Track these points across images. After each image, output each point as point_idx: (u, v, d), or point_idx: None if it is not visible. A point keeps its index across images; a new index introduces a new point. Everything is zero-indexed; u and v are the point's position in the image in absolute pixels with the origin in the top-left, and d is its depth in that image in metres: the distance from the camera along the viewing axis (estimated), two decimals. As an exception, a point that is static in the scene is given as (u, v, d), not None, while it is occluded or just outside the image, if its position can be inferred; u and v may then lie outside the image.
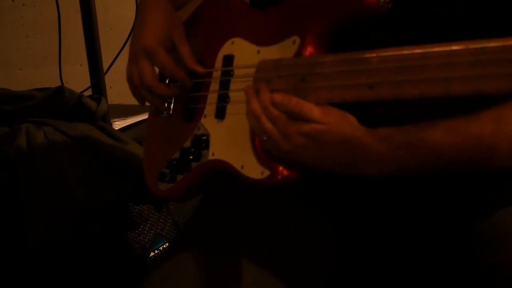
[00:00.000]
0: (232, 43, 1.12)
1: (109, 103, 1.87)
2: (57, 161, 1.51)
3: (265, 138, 0.97)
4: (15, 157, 1.48)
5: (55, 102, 1.64)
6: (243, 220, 1.06)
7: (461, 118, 0.92)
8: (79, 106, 1.66)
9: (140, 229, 1.70)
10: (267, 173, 1.00)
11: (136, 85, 1.18)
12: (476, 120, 0.92)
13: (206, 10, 1.22)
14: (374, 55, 0.89)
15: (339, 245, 1.08)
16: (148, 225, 1.72)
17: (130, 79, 1.19)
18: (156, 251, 1.74)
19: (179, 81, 1.18)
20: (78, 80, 2.18)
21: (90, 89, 2.02)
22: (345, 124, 0.92)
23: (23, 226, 1.43)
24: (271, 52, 1.04)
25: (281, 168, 0.99)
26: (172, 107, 1.22)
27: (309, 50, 0.99)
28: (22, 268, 1.46)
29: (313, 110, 0.92)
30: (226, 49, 1.13)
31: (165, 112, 1.23)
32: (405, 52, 0.86)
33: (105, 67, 2.04)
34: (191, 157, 1.13)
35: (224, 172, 1.08)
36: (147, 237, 1.72)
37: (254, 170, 1.02)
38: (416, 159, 0.93)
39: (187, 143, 1.15)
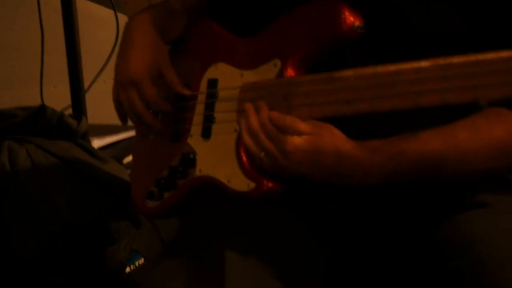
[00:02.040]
0: (216, 67, 1.18)
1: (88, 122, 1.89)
2: (41, 178, 1.54)
3: (262, 155, 1.03)
4: (-2, 173, 1.51)
5: (37, 121, 1.67)
6: (230, 228, 1.10)
7: (438, 128, 0.98)
8: (60, 124, 1.70)
9: (117, 245, 1.72)
10: (252, 185, 1.06)
11: (124, 111, 1.23)
12: (452, 128, 0.98)
13: (190, 38, 1.27)
14: (351, 73, 0.97)
15: (326, 252, 1.11)
16: (125, 241, 1.74)
17: (118, 104, 1.24)
18: (132, 267, 1.76)
19: (148, 121, 1.22)
20: (57, 100, 2.19)
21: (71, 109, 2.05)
22: (335, 137, 0.99)
23: (11, 241, 1.45)
24: (254, 75, 1.11)
25: (265, 181, 1.06)
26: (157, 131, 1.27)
27: (289, 72, 1.06)
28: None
29: (304, 124, 0.99)
30: (210, 73, 1.19)
31: (152, 135, 1.28)
32: (379, 69, 0.94)
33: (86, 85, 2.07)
34: (178, 175, 1.19)
35: (211, 187, 1.13)
36: (123, 253, 1.74)
37: (240, 183, 1.08)
38: (404, 168, 0.98)
39: (175, 162, 1.20)
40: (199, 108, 1.19)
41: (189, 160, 1.18)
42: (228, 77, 1.15)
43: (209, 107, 1.17)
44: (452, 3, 1.03)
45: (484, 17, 1.03)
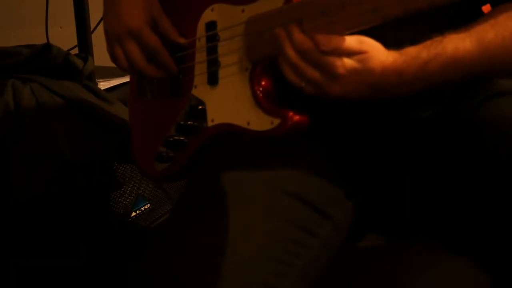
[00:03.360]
0: (212, 9, 1.11)
1: (94, 63, 1.87)
2: (44, 116, 1.51)
3: (303, 84, 0.97)
4: (2, 112, 1.48)
5: (42, 59, 1.63)
6: (245, 174, 1.04)
7: (466, 28, 0.97)
8: (66, 64, 1.65)
9: (123, 189, 1.71)
10: (277, 121, 1.00)
11: (122, 66, 1.18)
12: (478, 27, 0.97)
13: None
14: None
15: (348, 198, 1.08)
16: (131, 185, 1.73)
17: (115, 61, 1.18)
18: (137, 211, 1.75)
19: (164, 63, 1.16)
20: (64, 40, 2.16)
21: (77, 49, 2.01)
22: (379, 51, 0.95)
23: (10, 179, 1.43)
24: (258, 8, 1.03)
25: (291, 113, 1.00)
26: (155, 86, 1.21)
27: None
28: (6, 221, 1.47)
29: (351, 43, 0.94)
30: (207, 16, 1.12)
31: (149, 94, 1.22)
32: None
33: (92, 26, 2.03)
34: (188, 130, 1.13)
35: (228, 135, 1.08)
36: (129, 198, 1.73)
37: (262, 122, 1.02)
38: (441, 71, 0.96)
39: (181, 118, 1.14)
40: (200, 56, 1.13)
41: (198, 112, 1.12)
42: (227, 16, 1.08)
43: (212, 51, 1.11)
44: None
45: None
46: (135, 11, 1.15)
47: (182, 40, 1.16)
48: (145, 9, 1.16)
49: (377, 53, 0.94)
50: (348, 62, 0.94)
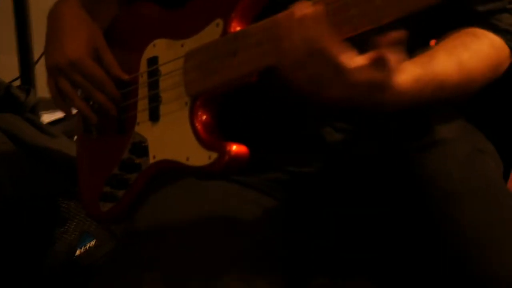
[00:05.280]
0: (154, 45, 1.12)
1: (38, 95, 1.83)
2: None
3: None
4: None
5: (-18, 91, 1.60)
6: (189, 212, 1.02)
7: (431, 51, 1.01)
8: (7, 96, 1.62)
9: (67, 226, 1.66)
10: (214, 156, 0.99)
11: (71, 97, 1.15)
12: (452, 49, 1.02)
13: (122, 21, 1.20)
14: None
15: (295, 236, 1.07)
16: (75, 222, 1.69)
17: (57, 95, 1.16)
18: (82, 249, 1.71)
19: (108, 93, 1.15)
20: (6, 71, 2.11)
21: (19, 80, 1.97)
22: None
23: None
24: (196, 41, 1.05)
25: (228, 147, 0.99)
26: (100, 125, 1.19)
27: (234, 28, 1.01)
28: None
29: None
30: (149, 52, 1.13)
31: (94, 131, 1.20)
32: None
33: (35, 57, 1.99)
34: (131, 168, 1.11)
35: (169, 171, 1.06)
36: (74, 234, 1.69)
37: (200, 157, 1.01)
38: (427, 90, 0.98)
39: (125, 155, 1.13)
40: (142, 92, 1.13)
41: (141, 149, 1.11)
42: (168, 51, 1.10)
43: (153, 86, 1.11)
44: None
45: None
46: (78, 42, 1.14)
47: (124, 76, 1.15)
48: (89, 41, 1.14)
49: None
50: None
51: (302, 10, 0.89)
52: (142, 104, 1.12)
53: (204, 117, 1.04)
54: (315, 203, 1.10)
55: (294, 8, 0.90)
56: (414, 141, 1.03)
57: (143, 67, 1.13)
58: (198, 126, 1.03)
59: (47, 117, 1.83)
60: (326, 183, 1.09)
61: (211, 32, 1.03)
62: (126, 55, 1.17)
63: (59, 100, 1.17)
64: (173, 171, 1.06)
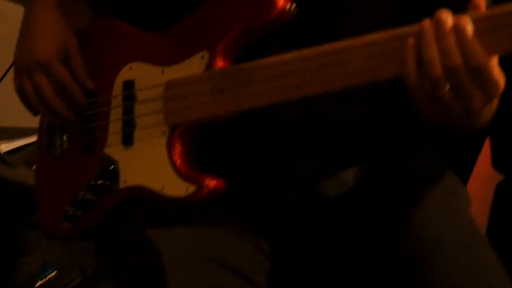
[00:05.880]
0: (130, 68, 1.10)
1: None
2: None
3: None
4: None
5: None
6: (165, 241, 1.00)
7: None
8: (-38, 126, 1.60)
9: (27, 256, 1.64)
10: (192, 188, 0.98)
11: (30, 100, 1.12)
12: None
13: (97, 38, 1.18)
14: (296, 55, 0.92)
15: (269, 261, 1.06)
16: (35, 253, 1.67)
17: (21, 93, 1.13)
18: (43, 280, 1.69)
19: (73, 97, 1.12)
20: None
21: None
22: None
23: None
24: (178, 71, 1.03)
25: (207, 180, 0.98)
26: (65, 140, 1.17)
27: (218, 63, 0.99)
28: None
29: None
30: (124, 74, 1.10)
31: (58, 148, 1.17)
32: (324, 48, 0.91)
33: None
34: (99, 189, 1.09)
35: (141, 197, 1.04)
36: (34, 265, 1.66)
37: (177, 188, 1.00)
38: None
39: (92, 176, 1.10)
40: (115, 114, 1.10)
41: (110, 172, 1.08)
42: (146, 76, 1.07)
43: (128, 111, 1.08)
44: None
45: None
46: (48, 43, 1.11)
47: (91, 85, 1.12)
48: (60, 43, 1.12)
49: None
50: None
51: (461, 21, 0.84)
52: (115, 126, 1.09)
53: (182, 147, 1.02)
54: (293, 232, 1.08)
55: (441, 15, 0.85)
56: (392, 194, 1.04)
57: (118, 89, 1.10)
58: (176, 156, 1.01)
59: (5, 147, 1.79)
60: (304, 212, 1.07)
61: (195, 64, 1.01)
62: (100, 72, 1.14)
63: (26, 100, 1.14)
64: (144, 198, 1.04)
